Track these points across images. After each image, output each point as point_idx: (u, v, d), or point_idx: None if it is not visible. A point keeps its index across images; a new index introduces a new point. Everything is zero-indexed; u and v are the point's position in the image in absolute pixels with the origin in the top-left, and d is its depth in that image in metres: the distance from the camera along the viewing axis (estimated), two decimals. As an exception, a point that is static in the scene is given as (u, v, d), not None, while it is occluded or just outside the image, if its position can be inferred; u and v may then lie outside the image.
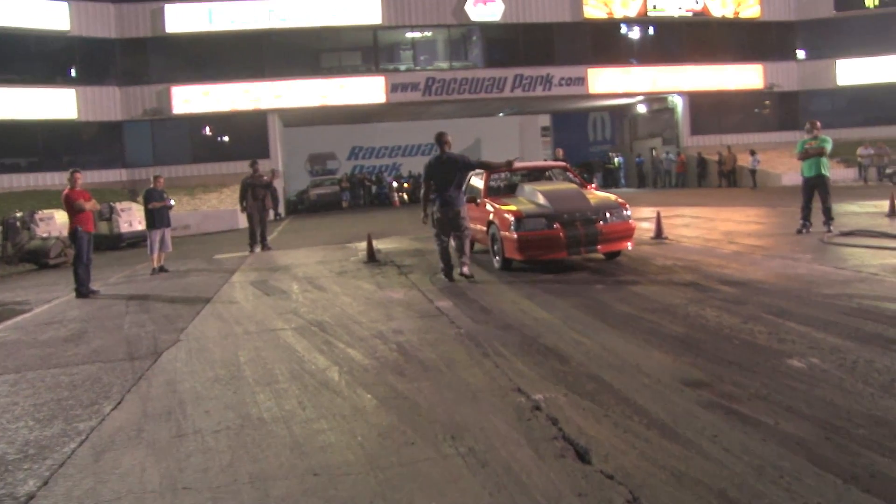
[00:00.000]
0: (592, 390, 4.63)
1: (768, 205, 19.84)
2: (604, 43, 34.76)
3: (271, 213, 29.38)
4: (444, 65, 34.27)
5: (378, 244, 14.26)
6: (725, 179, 32.49)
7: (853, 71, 35.59)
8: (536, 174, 12.10)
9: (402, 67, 34.40)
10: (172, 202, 13.59)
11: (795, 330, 5.80)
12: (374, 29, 32.78)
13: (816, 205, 12.30)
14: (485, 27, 33.65)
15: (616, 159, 38.82)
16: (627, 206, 10.12)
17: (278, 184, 30.87)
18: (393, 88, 32.75)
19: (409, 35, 34.58)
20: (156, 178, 13.39)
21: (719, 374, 4.80)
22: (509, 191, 11.36)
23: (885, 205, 16.61)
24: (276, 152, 32.24)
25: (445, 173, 9.52)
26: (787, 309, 6.55)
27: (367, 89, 32.71)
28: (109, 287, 11.66)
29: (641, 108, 39.02)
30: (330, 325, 7.16)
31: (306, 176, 46.41)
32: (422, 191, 9.99)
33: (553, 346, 5.75)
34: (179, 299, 9.73)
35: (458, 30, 34.35)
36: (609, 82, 34.58)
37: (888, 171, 27.66)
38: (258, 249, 15.28)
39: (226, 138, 32.73)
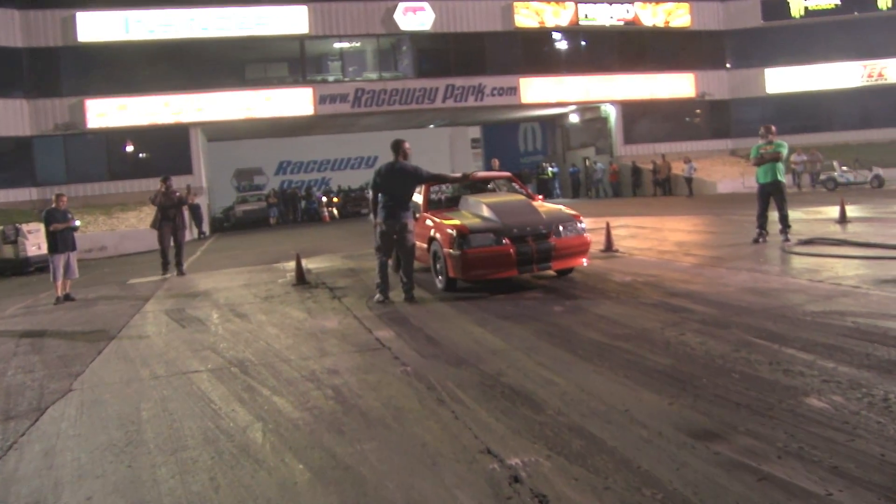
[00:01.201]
0: (581, 450, 3.71)
1: (711, 213, 19.40)
2: (536, 52, 34.28)
3: (195, 232, 28.07)
4: (374, 75, 33.28)
5: (308, 263, 13.23)
6: (660, 188, 32.29)
7: (781, 79, 35.89)
8: (479, 185, 11.21)
9: (331, 78, 33.26)
10: (77, 223, 12.23)
11: (798, 358, 5.00)
12: (300, 39, 31.57)
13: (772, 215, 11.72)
14: (415, 37, 32.79)
15: (550, 169, 38.32)
16: (581, 218, 9.28)
17: (202, 201, 29.54)
18: (321, 100, 31.59)
19: (338, 45, 33.52)
20: (58, 196, 11.98)
21: (730, 420, 3.94)
22: (451, 203, 10.44)
23: (829, 211, 16.32)
24: (200, 168, 30.75)
25: (395, 183, 8.70)
26: (778, 332, 5.77)
27: (295, 101, 31.47)
28: (4, 321, 10.33)
29: (574, 118, 38.66)
30: (253, 365, 6.10)
31: (233, 192, 44.96)
32: (370, 198, 9.12)
33: (520, 388, 4.83)
34: (81, 335, 8.49)
35: (387, 39, 33.42)
36: (541, 92, 34.05)
37: (822, 177, 27.70)
38: (172, 274, 13.89)
39: (146, 154, 31.04)
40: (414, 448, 3.94)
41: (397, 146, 8.84)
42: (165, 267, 13.97)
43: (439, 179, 9.40)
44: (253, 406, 4.93)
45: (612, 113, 35.46)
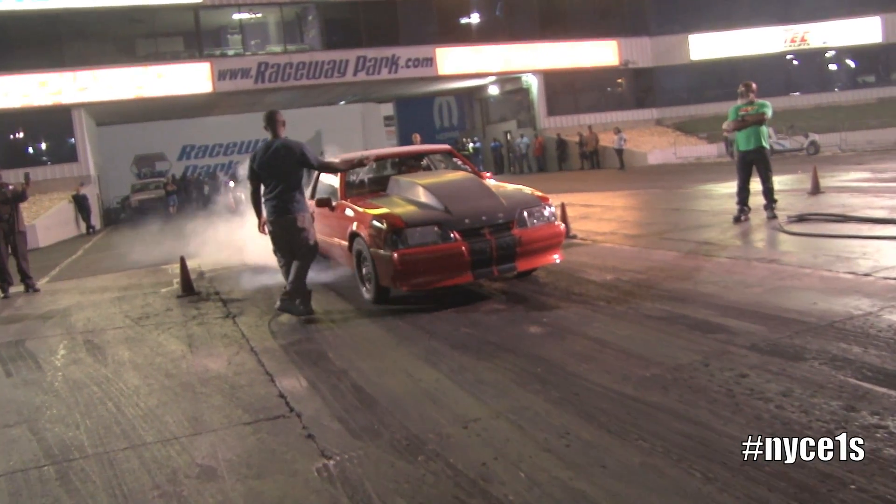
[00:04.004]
0: None
1: (656, 186, 17.70)
2: (452, 20, 32.22)
3: (83, 227, 25.06)
4: (278, 48, 30.63)
5: (202, 264, 10.90)
6: (588, 161, 30.72)
7: (705, 46, 34.63)
8: (411, 163, 8.92)
9: (231, 52, 30.53)
10: None
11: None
12: (194, 9, 28.67)
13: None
14: (322, 5, 30.32)
15: (471, 144, 36.27)
16: (549, 200, 7.19)
17: (90, 191, 26.50)
18: (220, 76, 28.78)
19: (237, 16, 30.78)
20: None
21: None
22: (377, 187, 8.18)
23: (784, 180, 14.79)
24: (86, 154, 27.60)
25: (277, 167, 6.52)
26: (890, 368, 3.84)
27: (191, 78, 28.57)
28: None
29: (493, 90, 36.74)
30: (82, 458, 3.81)
31: (134, 180, 41.55)
32: (250, 191, 6.86)
33: (532, 515, 2.74)
34: None
35: (291, 8, 30.85)
36: (459, 62, 31.93)
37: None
38: (12, 291, 10.40)
39: (21, 140, 27.72)
40: None
41: (272, 119, 6.65)
42: (4, 285, 10.33)
43: (329, 169, 7.26)
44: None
45: (533, 84, 33.66)
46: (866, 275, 5.98)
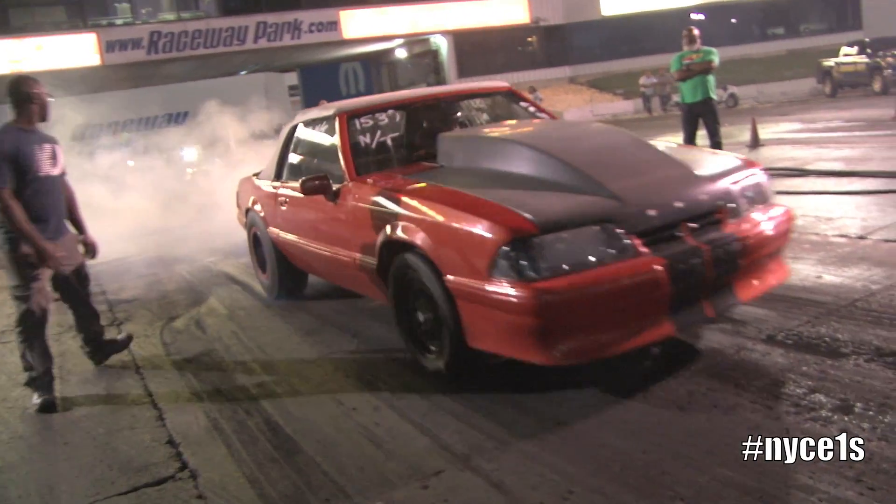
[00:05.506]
0: None
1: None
2: (356, -20, 30.74)
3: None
4: (171, 16, 28.77)
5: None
6: (503, 123, 29.84)
7: (616, 0, 34.07)
8: (445, 111, 5.06)
9: (119, 22, 28.47)
10: None
11: None
12: (76, -25, 26.53)
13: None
14: (216, -33, 28.43)
15: (386, 111, 35.06)
16: (761, 166, 3.84)
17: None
18: (109, 47, 26.76)
19: (125, -17, 28.62)
20: None
21: None
22: (413, 152, 4.59)
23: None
24: (-43, 138, 25.23)
25: None
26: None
27: (75, 50, 26.45)
28: None
29: (401, 53, 35.45)
30: None
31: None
32: None
33: None
34: None
35: (183, -27, 28.86)
36: (365, 25, 30.58)
37: (675, 99, 26.06)
38: None
39: None
40: None
41: (14, 92, 4.21)
42: None
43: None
44: None
45: (443, 45, 32.55)
46: (861, 237, 5.22)
